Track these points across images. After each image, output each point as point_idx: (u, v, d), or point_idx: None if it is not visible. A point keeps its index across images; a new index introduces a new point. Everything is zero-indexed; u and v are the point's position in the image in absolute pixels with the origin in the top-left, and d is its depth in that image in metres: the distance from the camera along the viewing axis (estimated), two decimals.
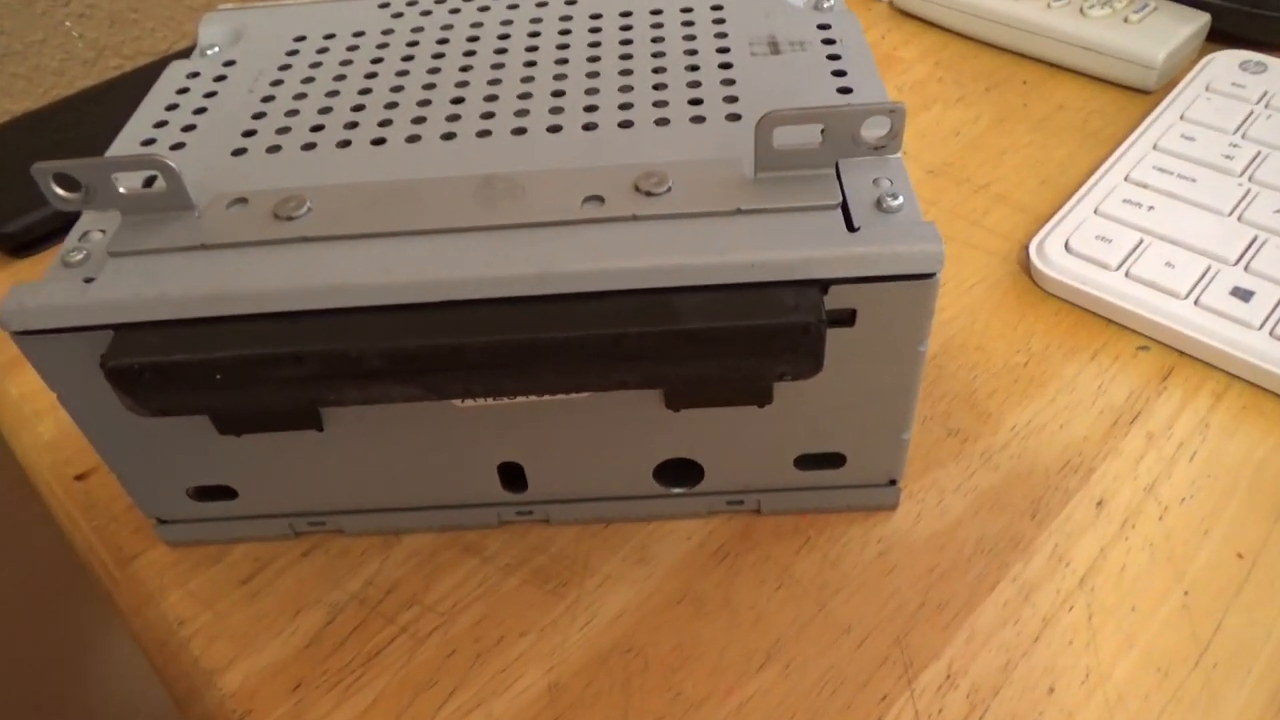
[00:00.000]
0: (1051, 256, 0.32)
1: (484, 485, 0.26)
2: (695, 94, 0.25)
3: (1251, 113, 0.37)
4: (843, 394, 0.23)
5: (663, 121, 0.24)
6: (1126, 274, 0.31)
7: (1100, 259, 0.32)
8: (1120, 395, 0.29)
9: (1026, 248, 0.34)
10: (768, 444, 0.25)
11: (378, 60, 0.28)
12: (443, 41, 0.29)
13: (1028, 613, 0.24)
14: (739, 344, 0.20)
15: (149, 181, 0.24)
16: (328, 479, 0.26)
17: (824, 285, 0.20)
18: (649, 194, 0.22)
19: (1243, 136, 0.36)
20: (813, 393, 0.23)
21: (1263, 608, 0.24)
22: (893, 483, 0.26)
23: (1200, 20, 0.43)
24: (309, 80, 0.28)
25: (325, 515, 0.27)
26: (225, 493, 0.26)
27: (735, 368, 0.21)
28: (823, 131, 0.21)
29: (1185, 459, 0.27)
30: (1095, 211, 0.34)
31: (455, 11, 0.30)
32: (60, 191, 0.22)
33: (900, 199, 0.21)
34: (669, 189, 0.22)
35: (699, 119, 0.24)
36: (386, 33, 0.29)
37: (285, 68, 0.28)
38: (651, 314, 0.20)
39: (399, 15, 0.30)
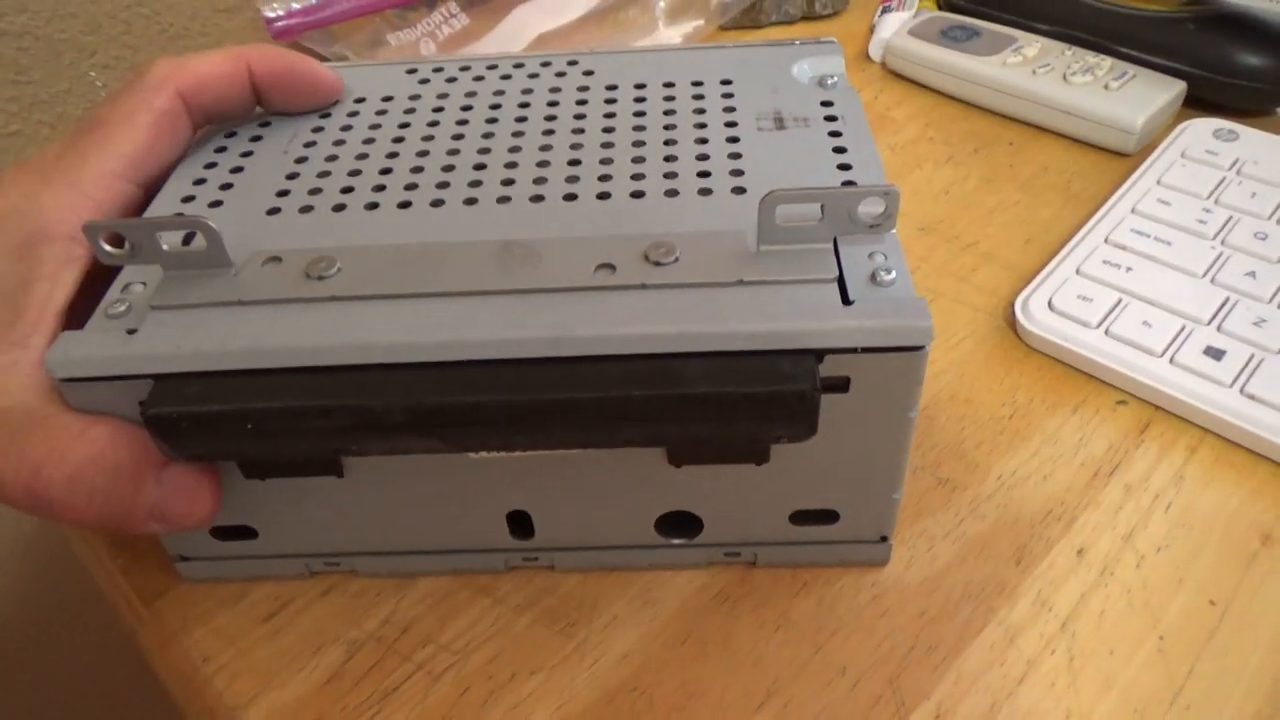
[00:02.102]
0: (1036, 314, 0.34)
1: (493, 532, 0.27)
2: (704, 167, 0.27)
3: (1224, 179, 0.39)
4: (836, 455, 0.25)
5: (672, 193, 0.26)
6: (1106, 332, 0.33)
7: (1081, 317, 0.33)
8: (1100, 448, 0.31)
9: (1012, 305, 0.35)
10: (764, 500, 0.26)
11: (404, 125, 0.30)
12: (466, 109, 0.30)
13: (1012, 655, 0.26)
14: (738, 409, 0.22)
15: (188, 239, 0.25)
16: (344, 523, 0.27)
17: (819, 354, 0.22)
18: (658, 264, 0.23)
19: (1215, 202, 0.38)
20: (808, 453, 0.24)
21: (1233, 653, 0.25)
22: (884, 539, 0.27)
23: (1177, 88, 0.45)
24: (340, 143, 0.29)
25: (341, 556, 0.28)
26: (246, 533, 0.27)
27: (735, 430, 0.22)
28: (822, 209, 0.23)
29: (1161, 510, 0.29)
30: (1077, 271, 0.35)
31: (479, 79, 0.32)
32: (108, 248, 0.24)
33: (894, 274, 0.23)
34: (676, 259, 0.23)
35: (707, 191, 0.26)
36: (414, 98, 0.31)
37: (318, 129, 0.30)
38: (657, 379, 0.21)
39: (425, 81, 0.32)
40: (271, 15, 0.52)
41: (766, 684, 0.25)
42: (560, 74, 0.32)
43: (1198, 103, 0.46)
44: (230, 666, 0.27)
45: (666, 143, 0.28)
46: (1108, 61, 0.46)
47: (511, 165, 0.28)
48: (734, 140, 0.28)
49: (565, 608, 0.27)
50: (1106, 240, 0.37)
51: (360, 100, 0.31)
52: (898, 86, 0.50)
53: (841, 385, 0.23)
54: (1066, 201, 0.42)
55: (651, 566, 0.28)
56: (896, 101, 0.49)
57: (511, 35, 0.55)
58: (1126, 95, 0.44)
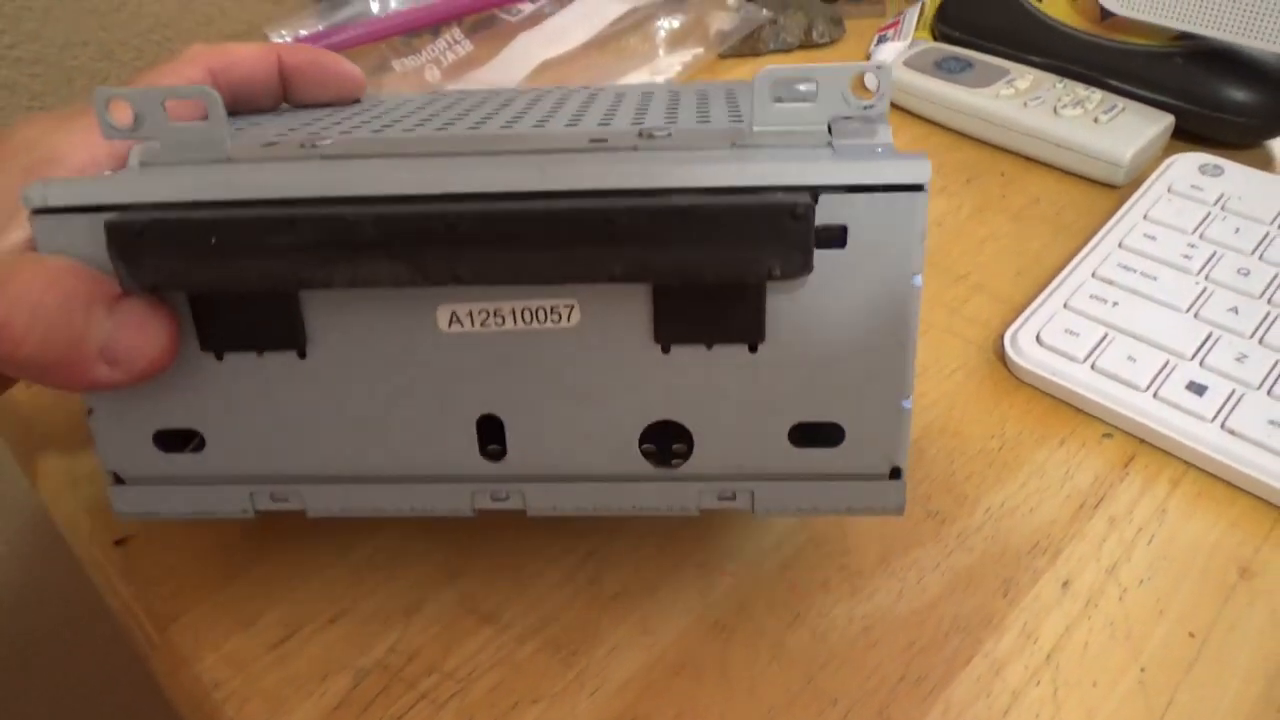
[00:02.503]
0: (1024, 348, 0.35)
1: (461, 448, 0.25)
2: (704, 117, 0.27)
3: (1209, 214, 0.40)
4: (837, 338, 0.23)
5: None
6: (1093, 366, 0.34)
7: (1069, 351, 0.34)
8: (1086, 480, 0.32)
9: (1002, 337, 0.36)
10: (760, 407, 0.24)
11: (416, 107, 0.30)
12: (477, 106, 0.31)
13: (998, 686, 0.27)
14: (727, 225, 0.21)
15: None
16: (300, 430, 0.25)
17: (814, 193, 0.22)
18: (651, 137, 0.23)
19: (1200, 237, 0.39)
20: (806, 337, 0.23)
21: (1211, 684, 0.26)
22: (896, 474, 0.25)
23: (1165, 121, 0.46)
24: (350, 116, 0.30)
25: (289, 483, 0.26)
26: (193, 441, 0.26)
27: (724, 259, 0.21)
28: (815, 88, 0.23)
29: (1144, 542, 0.30)
30: (1065, 305, 0.36)
31: (487, 100, 0.32)
32: (112, 121, 0.24)
33: (889, 150, 0.23)
34: (669, 135, 0.23)
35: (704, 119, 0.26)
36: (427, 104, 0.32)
37: (333, 111, 0.31)
38: (644, 196, 0.21)
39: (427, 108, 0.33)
40: (279, 41, 0.53)
41: (760, 714, 0.26)
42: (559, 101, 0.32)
43: (1186, 135, 0.47)
44: (240, 693, 0.27)
45: (669, 108, 0.28)
46: (1098, 94, 0.47)
47: (516, 120, 0.28)
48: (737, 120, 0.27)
49: (567, 636, 0.28)
50: (1094, 275, 0.38)
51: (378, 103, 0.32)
52: (892, 115, 0.51)
53: (838, 237, 0.22)
54: (1057, 233, 0.43)
55: (635, 509, 0.26)
56: (892, 130, 0.50)
57: (515, 62, 0.56)
58: (1115, 128, 0.45)
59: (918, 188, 0.22)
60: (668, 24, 0.58)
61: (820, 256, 0.22)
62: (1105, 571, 0.29)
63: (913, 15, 0.58)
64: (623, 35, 0.57)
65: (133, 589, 0.31)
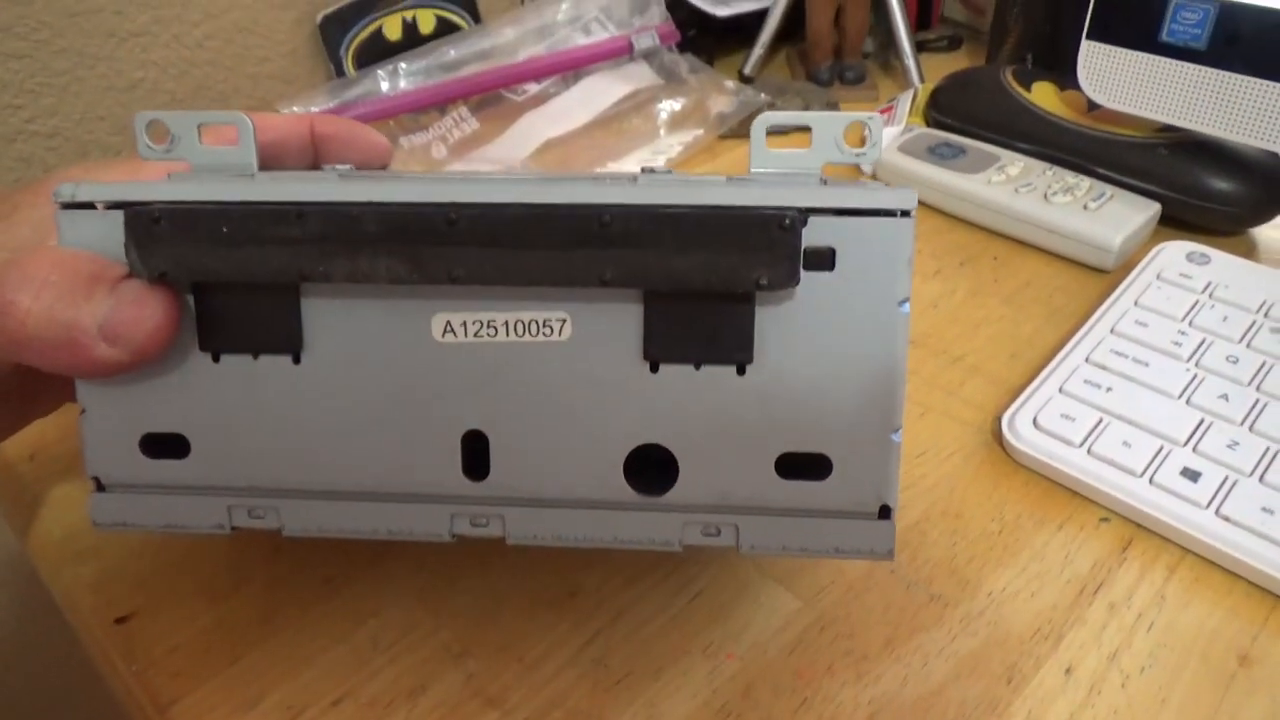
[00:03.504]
0: (1021, 432, 0.36)
1: (444, 463, 0.25)
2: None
3: (1197, 302, 0.41)
4: (825, 364, 0.23)
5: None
6: (1089, 451, 0.35)
7: (1065, 436, 0.35)
8: (1085, 565, 0.32)
9: (999, 420, 0.37)
10: (747, 433, 0.24)
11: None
12: None
13: None
14: (718, 233, 0.21)
15: None
16: (286, 439, 0.25)
17: (804, 215, 0.22)
18: (651, 172, 0.24)
19: (1190, 324, 0.40)
20: (794, 361, 0.23)
21: None
22: (885, 513, 0.24)
23: (1152, 209, 0.48)
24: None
25: (269, 498, 0.26)
26: (178, 448, 0.25)
27: (714, 266, 0.22)
28: (810, 135, 0.24)
29: (1144, 629, 0.30)
30: (1060, 390, 0.37)
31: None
32: (149, 141, 0.25)
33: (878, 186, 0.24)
34: (669, 173, 0.24)
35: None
36: None
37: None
38: (638, 205, 0.22)
39: None
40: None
41: None
42: None
43: (1172, 222, 0.49)
44: None
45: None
46: (1086, 182, 0.49)
47: None
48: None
49: None
50: (1087, 360, 0.38)
51: None
52: None
53: (827, 259, 0.23)
54: (1049, 316, 0.44)
55: (617, 541, 0.25)
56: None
57: (520, 140, 0.58)
58: (1104, 215, 0.47)
59: (905, 213, 0.22)
60: (669, 106, 0.59)
61: (809, 279, 0.22)
62: (1107, 658, 0.29)
63: (906, 101, 0.60)
64: (625, 116, 0.59)
65: (134, 669, 0.31)
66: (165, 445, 0.25)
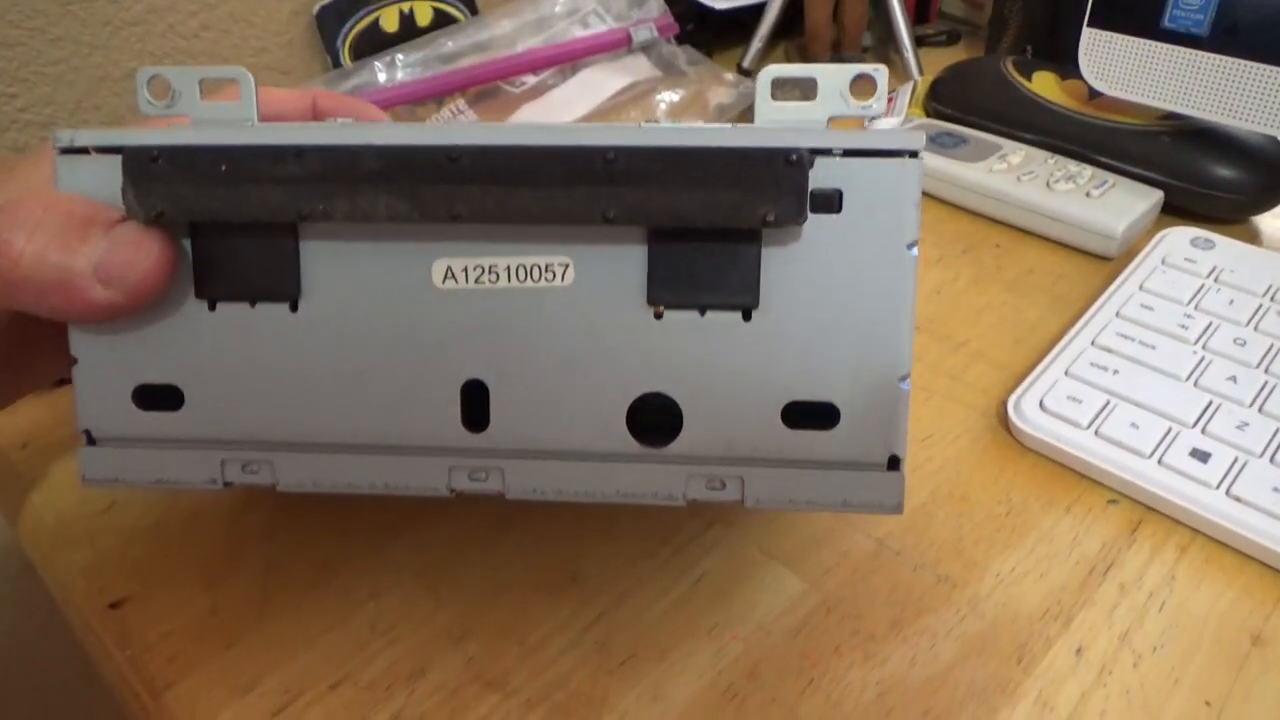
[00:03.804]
0: (1028, 414, 0.35)
1: (443, 414, 0.24)
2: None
3: (1202, 286, 0.40)
4: (831, 309, 0.23)
5: None
6: (1096, 433, 0.34)
7: (1072, 418, 0.35)
8: (1094, 546, 0.32)
9: (1005, 404, 0.37)
10: (752, 381, 0.23)
11: None
12: None
13: None
14: (723, 169, 0.21)
15: None
16: (281, 389, 0.25)
17: (811, 155, 0.22)
18: (655, 122, 0.24)
19: (1195, 308, 0.39)
20: (800, 306, 0.23)
21: None
22: (894, 464, 0.24)
23: (1155, 196, 0.47)
24: None
25: (263, 451, 0.25)
26: (171, 399, 0.25)
27: (719, 202, 0.21)
28: (815, 88, 0.23)
29: (1155, 609, 0.30)
30: (1066, 373, 0.37)
31: None
32: (149, 97, 0.24)
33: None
34: (675, 125, 0.24)
35: None
36: None
37: None
38: (642, 142, 0.22)
39: None
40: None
41: None
42: None
43: (1174, 210, 0.48)
44: None
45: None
46: (1089, 170, 0.49)
47: None
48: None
49: (575, 703, 0.28)
50: (1094, 343, 0.38)
51: None
52: None
53: (834, 201, 0.22)
54: (1052, 303, 0.44)
55: (619, 495, 0.24)
56: None
57: None
58: (1107, 203, 0.47)
59: (913, 154, 0.22)
60: (668, 97, 0.59)
61: (815, 221, 0.22)
62: (1118, 638, 0.29)
63: (906, 92, 0.60)
64: (623, 107, 0.59)
65: (127, 654, 0.30)
66: (158, 397, 0.25)
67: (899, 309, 0.23)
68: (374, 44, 0.59)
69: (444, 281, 0.24)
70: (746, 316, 0.23)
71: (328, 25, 0.57)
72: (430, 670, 0.29)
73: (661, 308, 0.23)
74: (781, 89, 0.23)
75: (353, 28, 0.58)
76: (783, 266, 0.23)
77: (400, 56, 0.58)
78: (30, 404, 0.40)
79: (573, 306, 0.23)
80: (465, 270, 0.23)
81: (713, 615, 0.30)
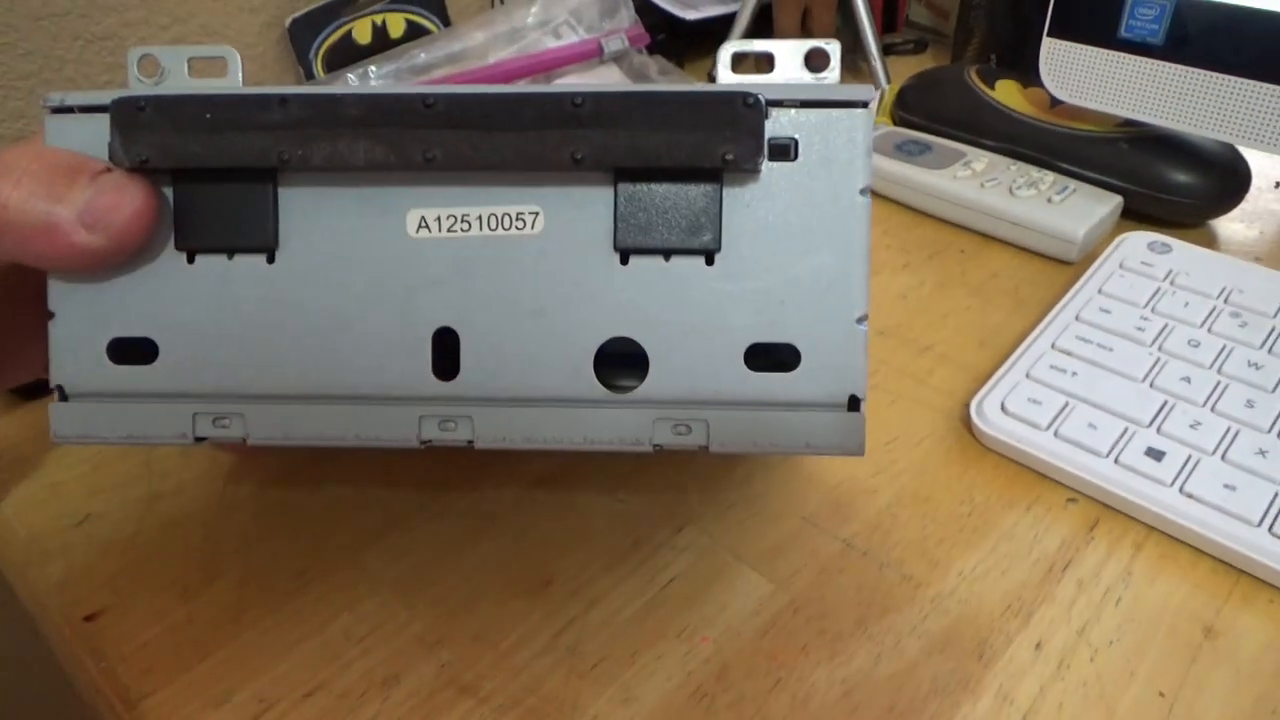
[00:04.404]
0: (990, 416, 0.36)
1: (415, 363, 0.25)
2: None
3: (1159, 289, 0.42)
4: (789, 253, 0.24)
5: None
6: (1055, 434, 0.35)
7: (1032, 419, 0.36)
8: (1053, 544, 0.33)
9: (968, 406, 0.38)
10: (715, 324, 0.24)
11: None
12: None
13: None
14: (685, 111, 0.23)
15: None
16: (256, 340, 0.25)
17: (766, 103, 0.23)
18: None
19: (1152, 310, 0.40)
20: (760, 250, 0.24)
21: None
22: (854, 405, 0.24)
23: (1114, 201, 0.49)
24: None
25: (235, 402, 0.25)
26: (145, 352, 0.25)
27: (682, 141, 0.23)
28: (773, 61, 0.24)
29: (1112, 604, 0.31)
30: (1027, 375, 0.38)
31: None
32: (138, 74, 0.25)
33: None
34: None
35: None
36: None
37: None
38: (608, 89, 0.23)
39: None
40: None
41: None
42: None
43: (1133, 215, 0.50)
44: None
45: None
46: (1050, 176, 0.50)
47: None
48: None
49: (547, 707, 0.28)
50: (1053, 346, 0.39)
51: None
52: None
53: (789, 150, 0.24)
54: (1016, 306, 0.45)
55: (586, 441, 0.25)
56: None
57: None
58: (1068, 208, 0.48)
59: (861, 104, 0.23)
60: None
61: (772, 170, 0.23)
62: (1076, 633, 0.30)
63: (873, 102, 0.61)
64: None
65: (102, 665, 0.30)
66: (133, 351, 0.25)
67: (853, 252, 0.24)
68: (347, 56, 0.59)
69: (417, 231, 0.24)
70: (709, 261, 0.24)
71: (300, 37, 0.58)
72: (404, 677, 0.29)
73: (628, 253, 0.24)
74: (741, 65, 0.25)
75: (325, 40, 0.58)
76: (743, 212, 0.24)
77: (373, 68, 0.58)
78: (1, 418, 0.40)
79: (542, 254, 0.24)
80: (438, 219, 0.24)
81: (683, 618, 0.30)
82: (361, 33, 0.60)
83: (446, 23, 0.63)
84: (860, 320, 0.24)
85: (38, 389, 0.41)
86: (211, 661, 0.30)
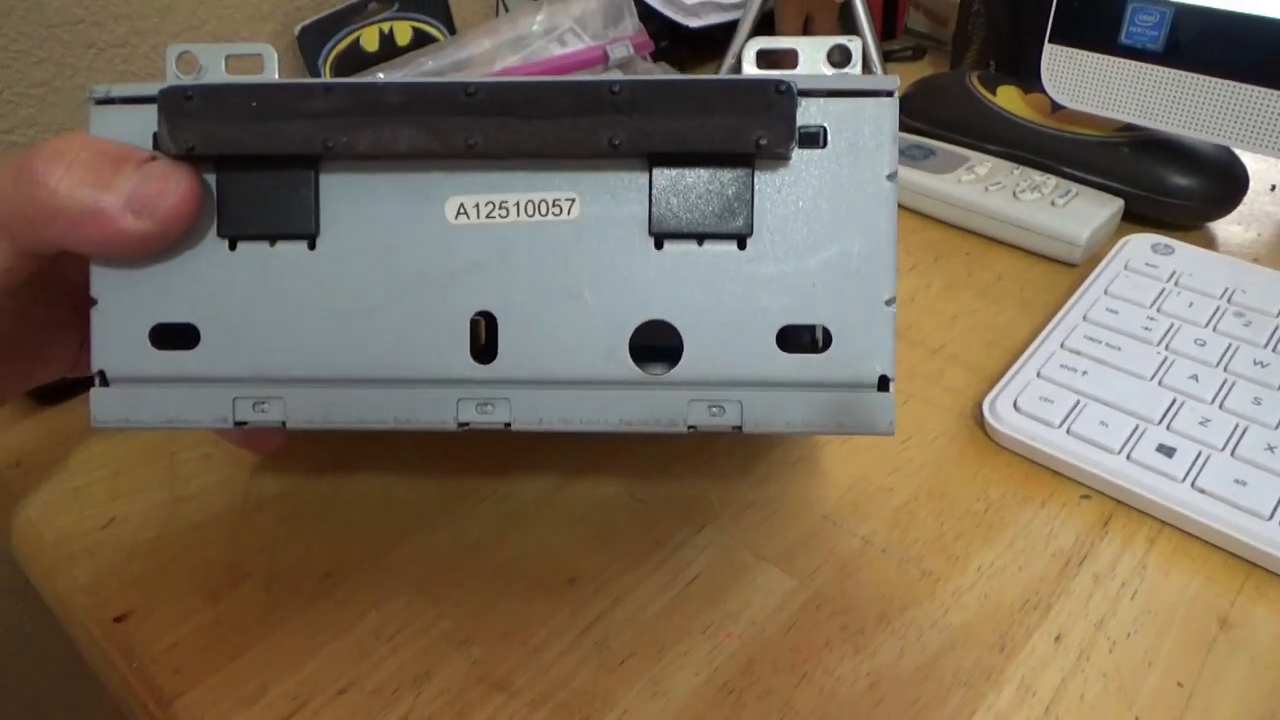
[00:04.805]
0: (1002, 414, 0.37)
1: (453, 347, 0.25)
2: None
3: (1163, 290, 0.42)
4: (820, 237, 0.25)
5: None
6: (1068, 431, 0.36)
7: (1044, 418, 0.36)
8: (1069, 540, 0.33)
9: (980, 405, 0.38)
10: (748, 307, 0.25)
11: None
12: None
13: None
14: (719, 98, 0.23)
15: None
16: (296, 326, 0.26)
17: (797, 90, 0.24)
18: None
19: (1158, 310, 0.41)
20: (791, 235, 0.25)
21: None
22: (884, 385, 0.25)
23: (1116, 205, 0.49)
24: None
25: (275, 386, 0.26)
26: (187, 339, 0.26)
27: (716, 127, 0.23)
28: (796, 58, 0.25)
29: (1128, 597, 0.31)
30: (1038, 375, 0.38)
31: None
32: (177, 71, 0.26)
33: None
34: None
35: None
36: None
37: None
38: (644, 80, 0.24)
39: None
40: None
41: None
42: None
43: (1134, 217, 0.50)
44: None
45: None
46: (1052, 180, 0.51)
47: None
48: None
49: (577, 702, 0.28)
50: (1063, 345, 0.40)
51: None
52: None
53: (818, 138, 0.25)
54: (1021, 308, 0.45)
55: (622, 423, 0.25)
56: None
57: None
58: (1071, 211, 0.48)
59: (888, 93, 0.24)
60: None
61: (802, 156, 0.24)
62: (1094, 626, 0.30)
63: (898, 90, 0.61)
64: None
65: (134, 666, 0.30)
66: (174, 337, 0.26)
67: (881, 236, 0.25)
68: (354, 64, 0.59)
69: (456, 217, 0.25)
70: (741, 245, 0.25)
71: (309, 45, 0.58)
72: (435, 674, 0.29)
73: (662, 238, 0.25)
74: (765, 61, 0.25)
75: (333, 48, 0.59)
76: (774, 197, 0.25)
77: (380, 76, 0.58)
78: (23, 423, 0.40)
79: (579, 239, 0.25)
80: (477, 206, 0.25)
81: (707, 614, 0.31)
82: (369, 40, 0.60)
83: (453, 30, 0.63)
84: (889, 302, 0.25)
85: (57, 393, 0.41)
86: (242, 661, 0.30)
